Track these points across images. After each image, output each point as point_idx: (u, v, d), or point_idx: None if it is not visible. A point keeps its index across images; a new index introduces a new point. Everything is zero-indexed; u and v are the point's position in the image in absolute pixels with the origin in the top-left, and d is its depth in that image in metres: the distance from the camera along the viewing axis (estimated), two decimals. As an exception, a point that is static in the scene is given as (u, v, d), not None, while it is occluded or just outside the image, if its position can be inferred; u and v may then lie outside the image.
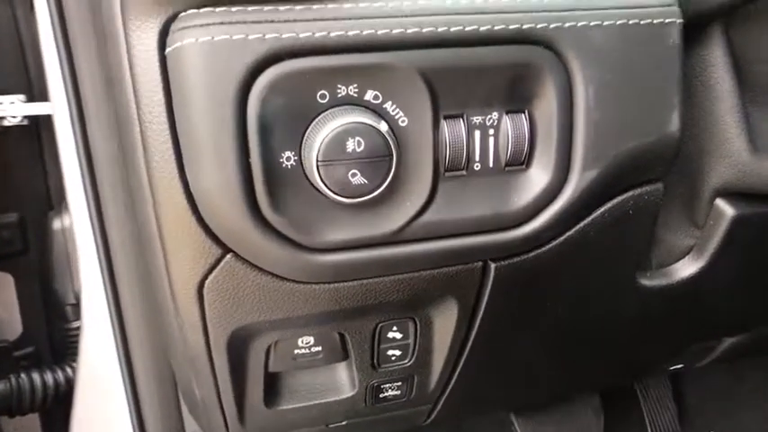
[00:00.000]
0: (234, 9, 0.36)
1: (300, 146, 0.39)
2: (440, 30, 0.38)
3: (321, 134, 0.37)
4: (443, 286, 0.47)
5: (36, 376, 0.80)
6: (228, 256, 0.41)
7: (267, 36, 0.36)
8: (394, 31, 0.38)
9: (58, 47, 0.55)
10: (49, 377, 0.81)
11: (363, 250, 0.42)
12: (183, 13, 0.37)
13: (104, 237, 0.59)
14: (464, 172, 0.42)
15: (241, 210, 0.38)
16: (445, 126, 0.41)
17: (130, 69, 0.39)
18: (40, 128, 0.80)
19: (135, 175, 0.43)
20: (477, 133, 0.41)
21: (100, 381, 0.71)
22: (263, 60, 0.36)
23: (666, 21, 0.42)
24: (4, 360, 0.79)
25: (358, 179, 0.38)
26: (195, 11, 0.36)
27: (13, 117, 0.74)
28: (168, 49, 0.37)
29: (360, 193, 0.39)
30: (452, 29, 0.39)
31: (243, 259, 0.41)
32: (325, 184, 0.38)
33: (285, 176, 0.39)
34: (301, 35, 0.37)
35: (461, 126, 0.41)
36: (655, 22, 0.41)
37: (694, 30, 0.46)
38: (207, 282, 0.42)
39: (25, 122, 0.75)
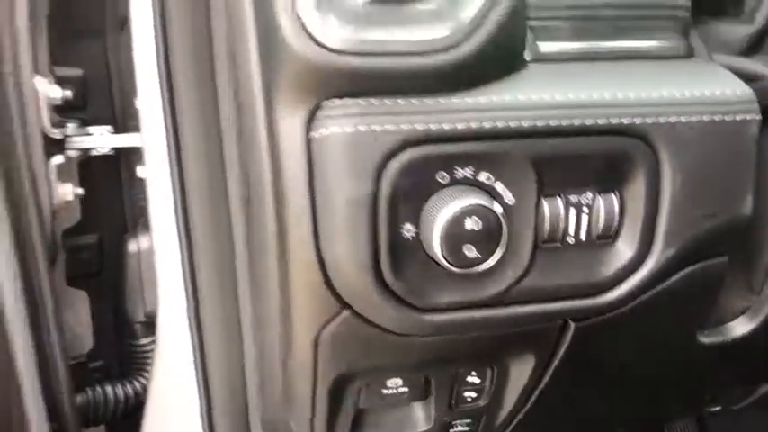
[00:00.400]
0: (374, 101, 0.41)
1: (419, 220, 0.44)
2: (551, 123, 0.43)
3: (442, 213, 0.42)
4: (526, 341, 0.52)
5: (108, 389, 0.86)
6: (346, 311, 0.46)
7: (403, 127, 0.41)
8: (510, 124, 0.43)
9: (161, 82, 0.59)
10: (119, 390, 0.86)
11: (465, 311, 0.47)
12: (326, 102, 0.42)
13: (192, 267, 0.64)
14: (559, 244, 0.47)
15: (365, 274, 0.43)
16: (546, 204, 0.46)
17: (270, 148, 0.43)
18: (120, 156, 0.86)
19: (260, 232, 0.48)
20: (573, 211, 0.46)
21: (173, 399, 0.76)
22: (398, 147, 0.41)
23: (748, 117, 0.47)
24: (81, 374, 0.84)
25: (471, 252, 0.43)
26: (339, 101, 0.41)
27: (102, 148, 0.79)
28: (314, 135, 0.42)
29: (471, 264, 0.44)
30: (562, 122, 0.44)
31: (358, 315, 0.46)
32: (442, 256, 0.43)
33: (405, 246, 0.44)
34: (431, 126, 0.42)
35: (560, 204, 0.46)
36: (737, 118, 0.46)
37: (764, 115, 0.51)
38: (322, 333, 0.47)
39: (111, 152, 0.80)
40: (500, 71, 0.44)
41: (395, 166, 0.42)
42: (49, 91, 0.72)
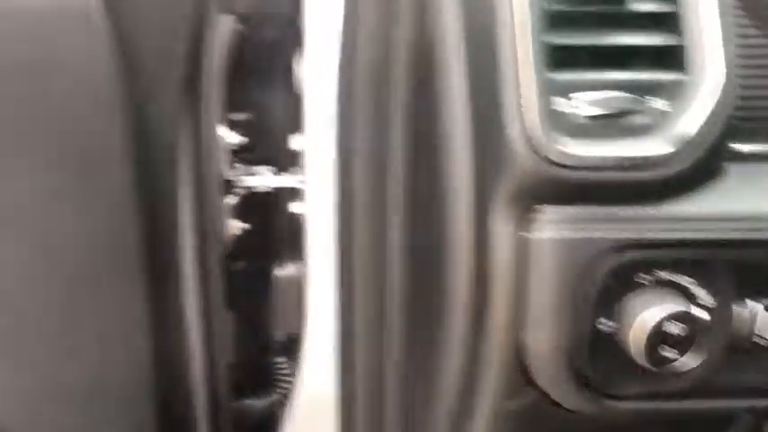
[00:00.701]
0: (587, 209, 0.44)
1: (616, 315, 0.46)
2: (753, 236, 0.45)
3: (642, 315, 0.45)
4: (698, 425, 0.54)
5: (246, 401, 0.93)
6: (533, 390, 0.49)
7: (612, 235, 0.44)
8: (712, 235, 0.45)
9: (339, 130, 0.64)
10: (255, 403, 0.94)
11: (650, 401, 0.49)
12: (541, 206, 0.45)
13: (347, 307, 0.69)
14: (747, 345, 0.48)
15: (562, 361, 0.47)
16: (739, 308, 0.47)
17: (476, 241, 0.47)
18: (277, 193, 0.92)
19: (447, 310, 0.52)
20: (765, 314, 0.47)
21: (310, 423, 0.82)
22: (605, 253, 0.44)
23: None
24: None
25: (668, 353, 0.45)
26: (554, 207, 0.45)
27: (265, 187, 0.85)
28: (528, 236, 0.45)
29: (664, 363, 0.46)
30: (764, 235, 0.45)
31: (545, 395, 0.49)
32: (640, 356, 0.45)
33: (602, 340, 0.47)
34: (639, 235, 0.44)
35: (754, 307, 0.47)
36: None
37: None
38: (504, 406, 0.51)
39: (271, 191, 0.87)
40: (705, 178, 0.46)
41: (600, 268, 0.45)
42: (228, 137, 0.79)
